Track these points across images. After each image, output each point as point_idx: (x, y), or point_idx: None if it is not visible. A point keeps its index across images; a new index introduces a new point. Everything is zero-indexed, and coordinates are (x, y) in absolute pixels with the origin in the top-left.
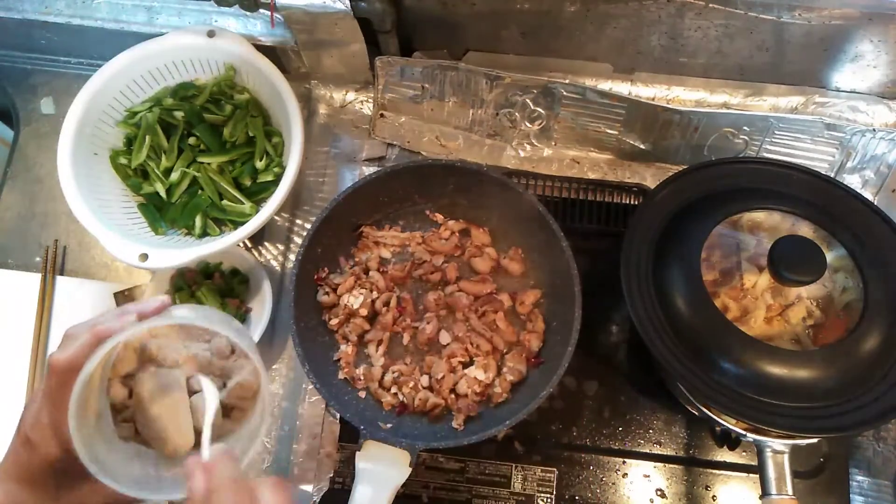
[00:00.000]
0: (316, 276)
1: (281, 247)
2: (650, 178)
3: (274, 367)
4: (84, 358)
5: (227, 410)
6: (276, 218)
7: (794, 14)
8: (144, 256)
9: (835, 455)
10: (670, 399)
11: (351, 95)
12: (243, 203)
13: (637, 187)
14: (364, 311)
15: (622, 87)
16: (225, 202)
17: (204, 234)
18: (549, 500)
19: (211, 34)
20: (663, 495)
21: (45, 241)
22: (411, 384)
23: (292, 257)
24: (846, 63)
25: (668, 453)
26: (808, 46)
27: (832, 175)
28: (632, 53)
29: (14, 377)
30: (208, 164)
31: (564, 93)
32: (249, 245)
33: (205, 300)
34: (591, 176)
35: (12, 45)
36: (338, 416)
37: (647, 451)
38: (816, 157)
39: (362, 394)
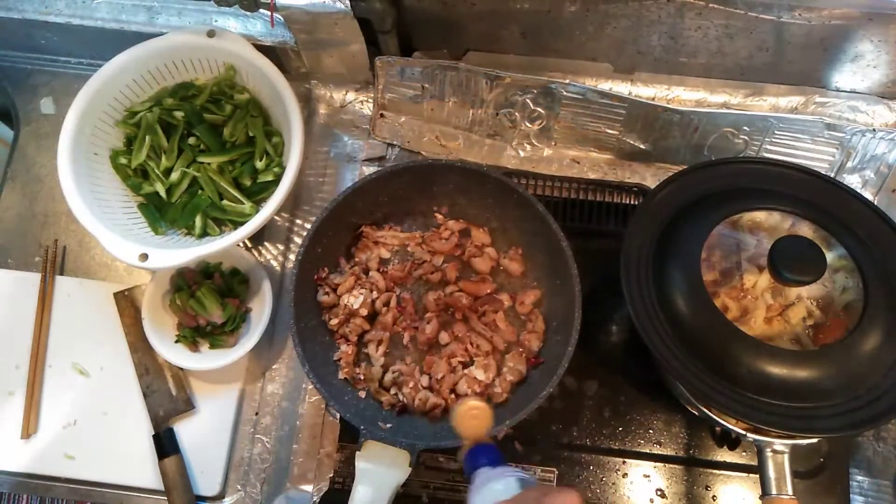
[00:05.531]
0: (316, 276)
1: (281, 247)
2: (650, 178)
3: (274, 367)
4: None
5: None
6: (276, 218)
7: (794, 14)
8: (144, 256)
9: (835, 455)
10: (670, 399)
11: (351, 95)
12: (243, 203)
13: (637, 187)
14: (364, 311)
15: (622, 87)
16: (225, 202)
17: (204, 234)
18: None
19: (211, 34)
20: (663, 495)
21: (45, 241)
22: (411, 384)
23: (292, 257)
24: (846, 63)
25: (668, 453)
26: (808, 46)
27: (832, 175)
28: (632, 53)
29: (14, 377)
30: (208, 164)
31: (564, 93)
32: (249, 245)
33: (205, 300)
34: (591, 176)
35: (12, 45)
36: (338, 416)
37: (647, 451)
38: (816, 157)
39: (362, 394)
